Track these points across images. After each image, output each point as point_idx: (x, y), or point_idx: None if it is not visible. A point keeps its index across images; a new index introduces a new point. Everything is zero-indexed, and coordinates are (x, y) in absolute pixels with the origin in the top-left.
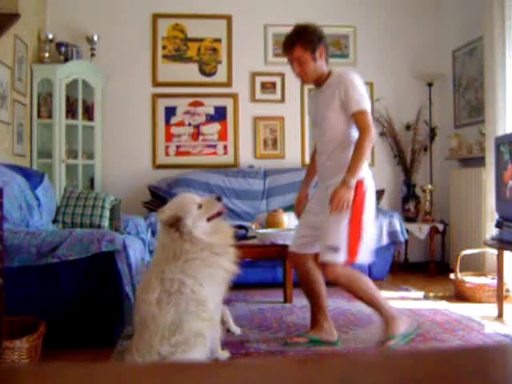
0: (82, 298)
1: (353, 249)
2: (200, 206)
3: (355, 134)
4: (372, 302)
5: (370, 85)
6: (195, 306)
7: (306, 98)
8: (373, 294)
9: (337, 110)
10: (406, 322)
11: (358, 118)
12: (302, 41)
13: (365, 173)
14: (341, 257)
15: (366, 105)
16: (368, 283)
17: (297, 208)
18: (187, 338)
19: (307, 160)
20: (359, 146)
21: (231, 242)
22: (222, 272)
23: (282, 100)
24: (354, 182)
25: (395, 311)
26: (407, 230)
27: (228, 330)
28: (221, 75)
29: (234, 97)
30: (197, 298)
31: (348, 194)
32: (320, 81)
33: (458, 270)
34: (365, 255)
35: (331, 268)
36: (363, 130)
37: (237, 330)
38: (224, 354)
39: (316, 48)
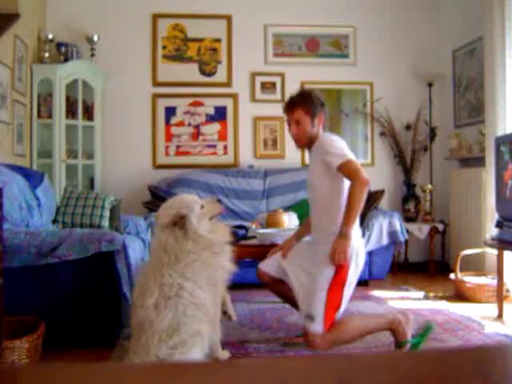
0: (81, 298)
1: (329, 319)
2: (202, 206)
3: (342, 201)
4: (368, 333)
5: (370, 85)
6: (194, 310)
7: None
8: (362, 329)
9: (321, 174)
10: (410, 319)
11: (343, 171)
12: (304, 104)
13: (353, 235)
14: (318, 327)
15: (347, 155)
16: (349, 325)
17: (277, 250)
18: (185, 339)
19: (307, 160)
20: (350, 194)
21: (228, 239)
22: (222, 272)
23: (282, 100)
24: (351, 232)
25: (393, 317)
26: (407, 230)
27: (225, 313)
28: (221, 75)
29: (234, 97)
30: (195, 301)
31: (345, 245)
32: (311, 145)
33: (458, 270)
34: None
35: (310, 337)
36: (352, 179)
37: (234, 315)
38: (224, 354)
39: (316, 114)
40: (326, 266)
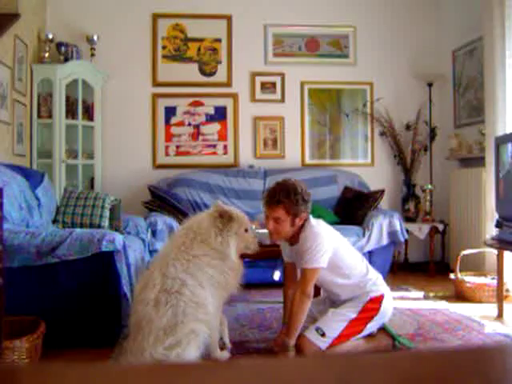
0: (81, 297)
1: (335, 344)
2: (246, 230)
3: (349, 272)
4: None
5: (369, 85)
6: (194, 309)
7: (306, 98)
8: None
9: None
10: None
11: (303, 272)
12: (288, 203)
13: (382, 287)
14: (324, 343)
15: (317, 264)
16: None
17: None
18: (180, 339)
19: (307, 160)
20: (293, 306)
21: (241, 270)
22: (224, 279)
23: (282, 100)
24: (292, 342)
25: (372, 340)
26: (407, 230)
27: (220, 339)
28: (221, 75)
29: (234, 97)
30: (196, 299)
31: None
32: (293, 240)
33: (457, 270)
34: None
35: (308, 346)
36: (301, 284)
37: (228, 343)
38: (223, 355)
39: (299, 215)
40: (356, 303)
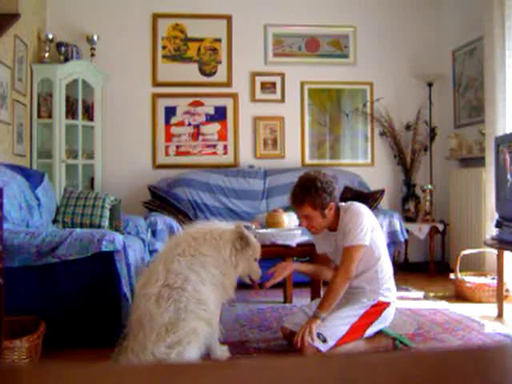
0: (81, 297)
1: (340, 344)
2: (255, 259)
3: (378, 266)
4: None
5: (369, 85)
6: (195, 305)
7: (306, 98)
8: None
9: None
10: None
11: (344, 252)
12: (310, 199)
13: (392, 296)
14: (324, 348)
15: (360, 241)
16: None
17: (278, 271)
18: (181, 338)
19: (307, 160)
20: (333, 283)
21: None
22: (228, 281)
23: (282, 100)
24: (323, 316)
25: (372, 340)
26: (407, 230)
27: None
28: (221, 75)
29: (234, 97)
30: (198, 296)
31: (314, 327)
32: (331, 226)
33: (457, 270)
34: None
35: (310, 349)
36: (342, 265)
37: (226, 350)
38: (223, 352)
39: (326, 206)
40: (357, 307)
